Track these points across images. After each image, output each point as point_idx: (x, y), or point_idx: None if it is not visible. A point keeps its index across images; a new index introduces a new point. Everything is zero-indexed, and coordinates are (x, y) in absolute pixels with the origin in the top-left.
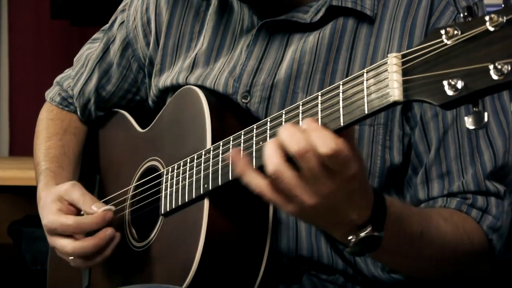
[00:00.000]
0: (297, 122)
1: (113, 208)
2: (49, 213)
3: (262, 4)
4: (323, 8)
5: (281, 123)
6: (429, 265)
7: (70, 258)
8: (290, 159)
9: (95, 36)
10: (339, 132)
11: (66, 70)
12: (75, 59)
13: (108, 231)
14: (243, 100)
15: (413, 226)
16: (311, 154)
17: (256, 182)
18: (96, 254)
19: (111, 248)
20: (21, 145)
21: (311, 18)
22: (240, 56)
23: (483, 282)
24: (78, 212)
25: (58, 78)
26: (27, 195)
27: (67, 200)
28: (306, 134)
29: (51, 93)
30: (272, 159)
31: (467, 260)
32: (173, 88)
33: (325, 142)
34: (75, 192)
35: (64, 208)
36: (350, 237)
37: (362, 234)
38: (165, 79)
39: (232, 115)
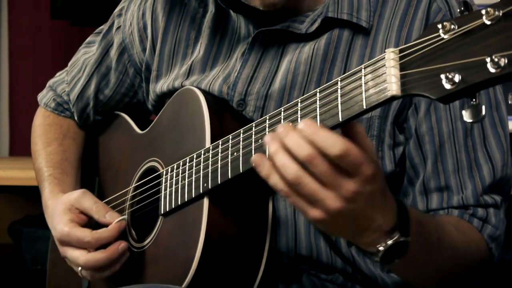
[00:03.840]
0: (296, 120)
1: (125, 217)
2: (61, 223)
3: (258, 14)
4: (319, 19)
5: (280, 121)
6: (445, 273)
7: (80, 269)
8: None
9: (89, 39)
10: (338, 127)
11: (58, 74)
12: (70, 63)
13: (122, 245)
14: (238, 108)
15: (431, 232)
16: (319, 160)
17: (281, 188)
18: (107, 267)
19: (121, 262)
20: (21, 145)
21: (306, 28)
22: (235, 64)
23: (481, 283)
24: (88, 220)
25: (50, 82)
26: (27, 195)
27: (78, 208)
28: (309, 139)
29: (45, 98)
30: (289, 167)
31: (474, 268)
32: (170, 93)
33: (332, 144)
34: (87, 201)
35: (76, 217)
36: (378, 245)
37: (390, 242)
38: (162, 85)
39: (230, 114)
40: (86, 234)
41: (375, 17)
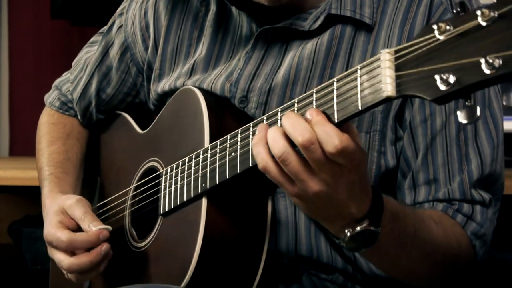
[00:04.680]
0: None
1: (109, 228)
2: (50, 224)
3: (261, 12)
4: (322, 16)
5: (277, 121)
6: (419, 268)
7: (65, 272)
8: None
9: (93, 39)
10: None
11: (64, 74)
12: (73, 63)
13: (104, 247)
14: (240, 105)
15: (408, 226)
16: (316, 146)
17: (263, 158)
18: (91, 269)
19: (104, 264)
20: (21, 145)
21: (309, 25)
22: (238, 62)
23: (482, 282)
24: (79, 227)
25: (56, 82)
26: (27, 195)
27: (69, 214)
28: (310, 126)
29: (50, 97)
30: (278, 142)
31: (456, 264)
32: (172, 93)
33: (331, 140)
34: (78, 210)
35: (66, 221)
36: (346, 231)
37: (358, 228)
38: (164, 85)
39: (230, 114)
40: (64, 234)
41: (377, 13)
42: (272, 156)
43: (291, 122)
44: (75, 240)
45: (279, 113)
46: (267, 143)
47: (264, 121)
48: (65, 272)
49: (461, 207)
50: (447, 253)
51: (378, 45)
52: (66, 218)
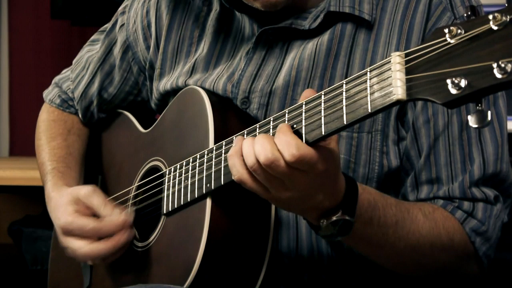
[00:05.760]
0: (299, 122)
1: (133, 214)
2: (65, 213)
3: (262, 13)
4: (322, 14)
5: (284, 122)
6: (406, 258)
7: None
8: None
9: (93, 37)
10: (342, 130)
11: (63, 71)
12: (74, 61)
13: (126, 234)
14: (242, 106)
15: (388, 215)
16: (276, 164)
17: (238, 169)
18: (110, 256)
19: (124, 249)
20: (21, 145)
21: (309, 24)
22: (239, 63)
23: (482, 282)
24: (94, 214)
25: (56, 79)
26: (27, 195)
27: (86, 203)
28: (272, 145)
29: (50, 94)
30: (251, 155)
31: (449, 257)
32: (174, 91)
33: (289, 149)
34: (96, 198)
35: (81, 209)
36: (322, 220)
37: (334, 218)
38: (165, 83)
39: (234, 115)
40: (89, 222)
41: (377, 10)
42: (247, 168)
43: (257, 143)
44: (101, 228)
45: (286, 114)
46: (242, 155)
47: (271, 122)
48: (82, 256)
49: (461, 205)
50: (435, 245)
51: (379, 44)
52: (81, 207)
